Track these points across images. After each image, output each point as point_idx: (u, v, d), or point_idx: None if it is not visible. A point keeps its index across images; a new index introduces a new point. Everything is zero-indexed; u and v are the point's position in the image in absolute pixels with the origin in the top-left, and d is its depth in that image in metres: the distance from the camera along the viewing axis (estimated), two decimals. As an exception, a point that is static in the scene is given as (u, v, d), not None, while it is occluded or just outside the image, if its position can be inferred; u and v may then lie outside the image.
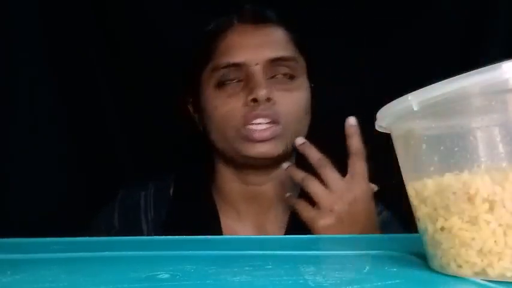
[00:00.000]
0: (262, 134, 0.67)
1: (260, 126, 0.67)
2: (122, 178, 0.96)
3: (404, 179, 0.35)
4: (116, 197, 0.78)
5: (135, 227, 0.75)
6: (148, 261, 0.39)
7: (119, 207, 0.77)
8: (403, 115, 0.32)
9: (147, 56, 0.95)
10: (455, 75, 0.29)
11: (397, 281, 0.30)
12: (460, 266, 0.30)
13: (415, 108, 0.30)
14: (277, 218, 0.74)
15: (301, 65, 0.72)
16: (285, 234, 0.72)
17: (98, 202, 0.92)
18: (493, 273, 0.29)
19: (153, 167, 0.93)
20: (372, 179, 0.65)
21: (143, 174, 0.93)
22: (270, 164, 0.71)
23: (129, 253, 0.42)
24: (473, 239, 0.29)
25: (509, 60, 0.27)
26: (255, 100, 0.66)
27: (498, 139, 0.29)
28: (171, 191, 0.77)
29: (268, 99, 0.66)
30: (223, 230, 0.73)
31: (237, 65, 0.68)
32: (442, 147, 0.31)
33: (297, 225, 0.70)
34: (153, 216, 0.75)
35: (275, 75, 0.69)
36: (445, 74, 0.31)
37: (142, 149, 0.97)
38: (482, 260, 0.29)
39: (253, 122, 0.67)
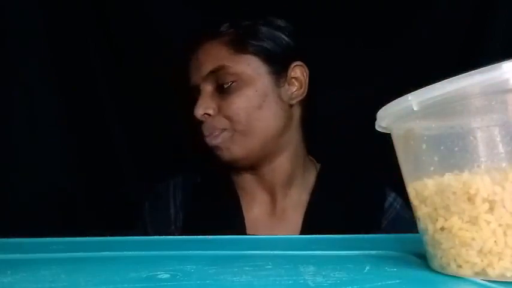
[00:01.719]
0: (213, 140, 0.74)
1: (211, 136, 0.74)
2: (121, 178, 0.96)
3: (404, 179, 0.35)
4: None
5: (163, 211, 0.80)
6: (148, 261, 0.39)
7: (149, 198, 0.83)
8: (403, 115, 0.32)
9: (148, 56, 0.95)
10: (455, 75, 0.29)
11: (397, 281, 0.30)
12: (460, 266, 0.30)
13: (415, 108, 0.30)
14: (293, 202, 0.78)
15: (244, 65, 0.74)
16: (305, 216, 0.76)
17: (97, 202, 0.92)
18: (493, 273, 0.29)
19: (153, 167, 0.93)
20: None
21: (143, 174, 0.93)
22: (251, 163, 0.76)
23: (129, 253, 0.42)
24: (473, 239, 0.29)
25: (509, 60, 0.27)
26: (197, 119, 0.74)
27: (498, 139, 0.29)
28: (199, 178, 0.83)
29: (209, 115, 0.74)
30: (244, 212, 0.78)
31: (193, 87, 0.76)
32: (442, 147, 0.31)
33: (316, 206, 0.76)
34: (181, 198, 0.81)
35: (218, 86, 0.74)
36: (445, 74, 0.31)
37: (143, 149, 0.97)
38: (482, 260, 0.29)
39: (205, 135, 0.75)
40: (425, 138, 0.32)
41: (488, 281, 0.29)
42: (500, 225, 0.28)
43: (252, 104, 0.73)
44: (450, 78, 0.29)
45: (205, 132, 0.74)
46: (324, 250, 0.43)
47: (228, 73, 0.73)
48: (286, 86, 0.76)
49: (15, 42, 0.88)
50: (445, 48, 0.93)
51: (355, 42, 0.93)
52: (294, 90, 0.77)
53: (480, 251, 0.29)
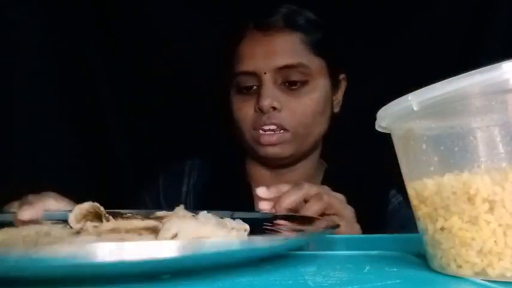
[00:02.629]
0: (269, 138, 0.71)
1: (268, 132, 0.71)
2: (121, 178, 0.96)
3: (404, 179, 0.35)
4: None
5: (176, 189, 0.80)
6: (148, 261, 0.39)
7: (164, 173, 0.82)
8: (403, 115, 0.32)
9: (148, 56, 0.95)
10: (455, 75, 0.29)
11: (397, 281, 0.30)
12: (460, 266, 0.30)
13: (415, 108, 0.30)
14: None
15: (316, 67, 0.73)
16: None
17: (97, 202, 0.92)
18: (493, 273, 0.29)
19: (153, 167, 0.93)
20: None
21: (143, 174, 0.93)
22: (286, 162, 0.76)
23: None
24: (473, 239, 0.29)
25: (509, 60, 0.27)
26: (260, 109, 0.70)
27: (498, 139, 0.29)
28: (213, 167, 0.82)
29: (274, 108, 0.70)
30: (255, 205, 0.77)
31: (249, 73, 0.72)
32: (442, 147, 0.31)
33: None
34: (195, 181, 0.81)
35: (286, 82, 0.71)
36: (445, 74, 0.31)
37: (143, 149, 0.97)
38: (482, 260, 0.29)
39: (261, 128, 0.71)
40: (425, 138, 0.32)
41: (488, 281, 0.29)
42: (500, 225, 0.28)
43: (318, 109, 0.73)
44: (450, 78, 0.29)
45: (262, 125, 0.71)
46: (324, 250, 0.43)
47: (304, 72, 0.71)
48: (336, 94, 0.78)
49: (15, 42, 0.88)
50: (445, 48, 0.93)
51: (355, 42, 0.93)
52: (340, 99, 0.79)
53: (480, 251, 0.29)
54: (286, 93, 0.71)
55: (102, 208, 0.43)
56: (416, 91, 0.30)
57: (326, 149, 0.83)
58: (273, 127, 0.71)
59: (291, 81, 0.71)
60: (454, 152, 0.30)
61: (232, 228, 0.36)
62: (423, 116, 0.31)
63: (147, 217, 0.44)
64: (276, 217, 0.51)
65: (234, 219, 0.45)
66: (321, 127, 0.75)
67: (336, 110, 0.79)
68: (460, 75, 0.28)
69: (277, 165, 0.77)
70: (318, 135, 0.76)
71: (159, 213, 0.48)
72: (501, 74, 0.27)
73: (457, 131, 0.30)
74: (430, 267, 0.33)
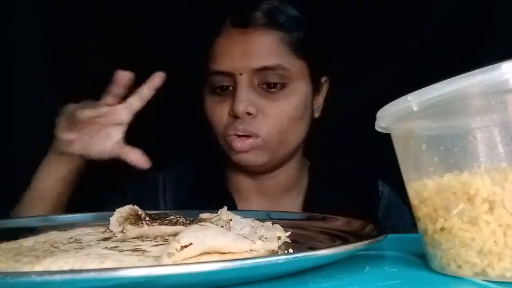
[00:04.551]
0: (242, 145, 0.66)
1: (241, 137, 0.66)
2: (120, 178, 0.96)
3: (404, 179, 0.35)
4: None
5: (150, 205, 0.73)
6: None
7: (131, 190, 0.77)
8: (403, 115, 0.32)
9: (148, 56, 0.95)
10: (456, 75, 0.29)
11: (397, 281, 0.30)
12: (460, 267, 0.30)
13: (415, 109, 0.30)
14: (289, 205, 0.75)
15: (296, 70, 0.68)
16: None
17: (96, 201, 0.92)
18: (493, 273, 0.29)
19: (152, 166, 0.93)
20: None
21: (141, 173, 0.93)
22: (264, 169, 0.72)
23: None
24: (473, 239, 0.29)
25: (509, 61, 0.27)
26: (235, 114, 0.66)
27: (498, 139, 0.29)
28: (190, 177, 0.78)
29: (248, 114, 0.66)
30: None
31: (224, 73, 0.67)
32: (442, 148, 0.31)
33: (311, 205, 0.73)
34: (173, 195, 0.76)
35: (263, 83, 0.67)
36: (445, 74, 0.31)
37: (142, 148, 0.97)
38: (482, 261, 0.29)
39: (232, 133, 0.66)
40: (425, 138, 0.32)
41: (488, 281, 0.29)
42: (500, 225, 0.28)
43: (296, 114, 0.68)
44: (450, 78, 0.29)
45: (235, 131, 0.66)
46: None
47: (282, 75, 0.66)
48: (316, 99, 0.73)
49: (15, 42, 0.88)
50: (446, 48, 0.93)
51: (355, 42, 0.93)
52: (321, 104, 0.74)
53: (480, 252, 0.29)
54: (263, 96, 0.66)
55: (141, 211, 0.42)
56: (416, 91, 0.30)
57: (308, 146, 0.78)
58: (245, 133, 0.66)
59: (269, 84, 0.66)
60: (454, 152, 0.30)
61: (261, 238, 0.34)
62: (423, 116, 0.31)
63: (189, 220, 0.43)
64: (311, 217, 0.50)
65: (271, 219, 0.44)
66: (298, 134, 0.70)
67: (317, 114, 0.74)
68: (460, 76, 0.28)
69: (256, 172, 0.72)
70: (295, 142, 0.70)
71: (203, 215, 0.47)
72: (501, 74, 0.27)
73: (457, 131, 0.30)
74: (430, 267, 0.33)
